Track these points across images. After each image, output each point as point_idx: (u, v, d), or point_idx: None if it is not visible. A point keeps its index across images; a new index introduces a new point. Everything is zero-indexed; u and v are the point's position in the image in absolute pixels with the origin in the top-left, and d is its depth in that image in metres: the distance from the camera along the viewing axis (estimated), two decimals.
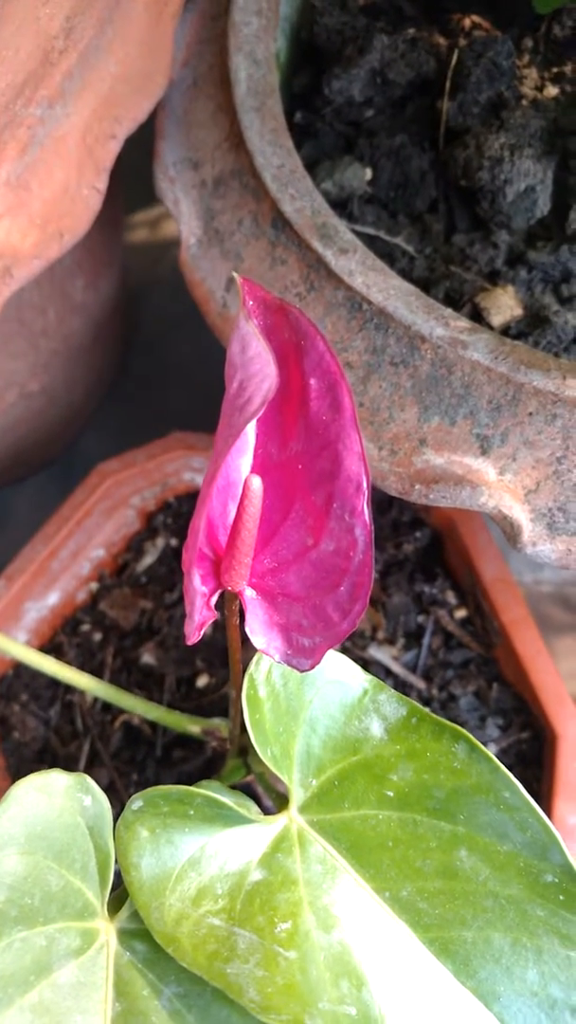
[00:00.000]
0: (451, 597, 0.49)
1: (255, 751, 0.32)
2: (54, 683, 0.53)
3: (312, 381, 0.25)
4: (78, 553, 0.54)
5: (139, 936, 0.27)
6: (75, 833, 0.26)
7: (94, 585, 0.55)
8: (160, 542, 0.55)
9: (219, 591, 0.26)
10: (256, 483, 0.24)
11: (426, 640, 0.48)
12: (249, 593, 0.26)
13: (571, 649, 0.77)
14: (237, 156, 0.41)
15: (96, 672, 0.52)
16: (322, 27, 0.48)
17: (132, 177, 0.57)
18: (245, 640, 0.29)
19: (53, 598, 0.54)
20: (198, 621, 0.25)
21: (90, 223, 0.42)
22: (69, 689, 0.53)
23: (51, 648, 0.54)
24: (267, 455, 0.26)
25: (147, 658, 0.51)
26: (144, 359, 0.81)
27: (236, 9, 0.42)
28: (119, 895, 0.27)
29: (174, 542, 0.55)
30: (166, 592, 0.53)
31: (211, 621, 0.26)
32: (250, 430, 0.26)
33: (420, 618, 0.49)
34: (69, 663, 0.53)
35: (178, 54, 0.45)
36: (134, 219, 0.88)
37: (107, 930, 0.26)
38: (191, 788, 0.26)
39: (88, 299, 0.62)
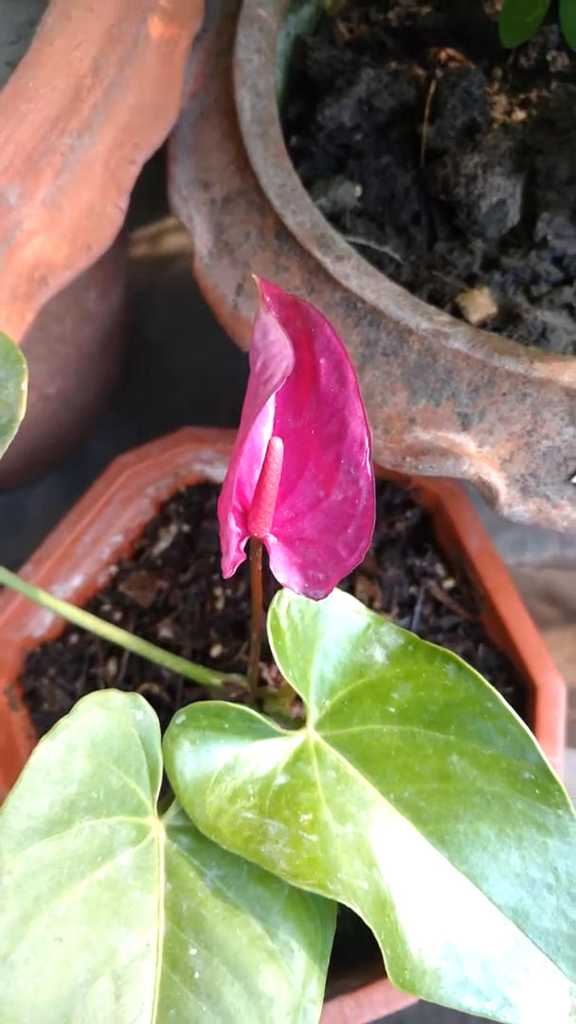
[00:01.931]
0: (440, 569, 0.54)
1: (271, 697, 0.37)
2: (78, 659, 0.58)
3: (322, 360, 0.30)
4: (99, 539, 0.59)
5: (184, 832, 0.31)
6: (130, 742, 0.31)
7: (113, 569, 0.60)
8: (173, 528, 0.60)
9: (247, 538, 0.31)
10: (278, 444, 0.29)
11: (418, 608, 0.53)
12: (272, 539, 0.31)
13: (557, 643, 0.82)
14: (243, 177, 0.46)
15: (118, 646, 0.57)
16: (314, 61, 0.54)
17: (132, 197, 0.63)
18: (265, 586, 0.34)
19: (77, 580, 0.59)
20: (232, 559, 0.30)
21: (113, 238, 0.47)
22: (92, 664, 0.57)
23: (76, 627, 0.59)
24: (285, 423, 0.31)
25: (165, 632, 0.56)
26: (148, 366, 0.86)
27: (239, 48, 0.48)
28: (166, 801, 0.32)
29: (186, 528, 0.60)
30: (180, 573, 0.58)
31: (237, 563, 0.31)
32: (271, 404, 0.31)
33: (412, 589, 0.54)
34: (92, 640, 0.58)
35: (187, 88, 0.51)
36: (136, 236, 0.93)
37: (157, 826, 0.31)
38: (226, 703, 0.31)
39: (99, 309, 0.67)
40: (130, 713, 0.31)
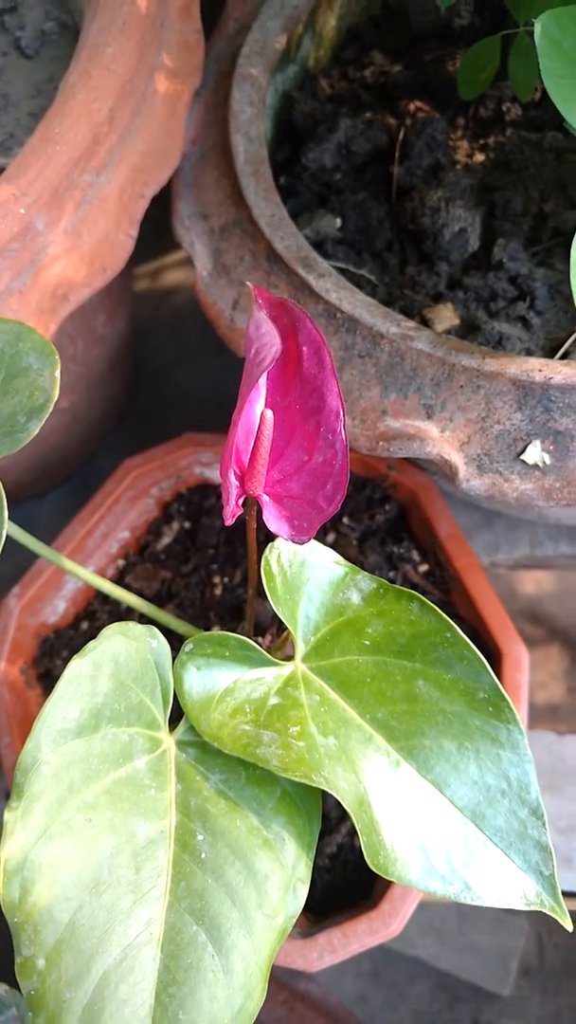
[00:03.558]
0: (415, 555, 0.60)
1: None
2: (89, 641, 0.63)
3: (304, 348, 0.36)
4: (108, 535, 0.65)
5: (191, 745, 0.37)
6: (146, 666, 0.37)
7: (121, 562, 0.66)
8: (175, 526, 0.66)
9: (243, 496, 0.37)
10: (269, 415, 0.36)
11: None
12: (265, 498, 0.37)
13: (542, 660, 0.87)
14: (238, 209, 0.54)
15: None
16: (299, 112, 0.61)
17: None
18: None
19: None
20: (231, 509, 0.36)
21: (125, 262, 0.54)
22: None
23: (86, 614, 0.65)
24: (275, 401, 0.37)
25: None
26: (149, 389, 0.93)
27: (234, 101, 0.56)
28: (176, 722, 0.38)
29: (187, 525, 0.66)
30: (182, 565, 0.64)
31: (236, 515, 0.37)
32: (262, 383, 0.37)
33: (391, 573, 0.60)
34: (100, 627, 0.64)
35: (188, 134, 0.58)
36: (137, 271, 1.01)
37: (168, 740, 0.37)
38: (227, 633, 0.37)
39: (107, 332, 0.74)
40: (147, 641, 0.37)
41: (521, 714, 0.52)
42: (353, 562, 0.61)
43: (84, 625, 0.64)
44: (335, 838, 0.55)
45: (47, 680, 0.62)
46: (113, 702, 0.35)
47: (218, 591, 0.62)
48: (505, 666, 0.54)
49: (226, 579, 0.62)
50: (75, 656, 0.35)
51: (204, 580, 0.63)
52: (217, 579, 0.63)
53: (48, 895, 0.31)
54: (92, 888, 0.32)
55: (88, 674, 0.35)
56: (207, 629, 0.62)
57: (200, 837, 0.34)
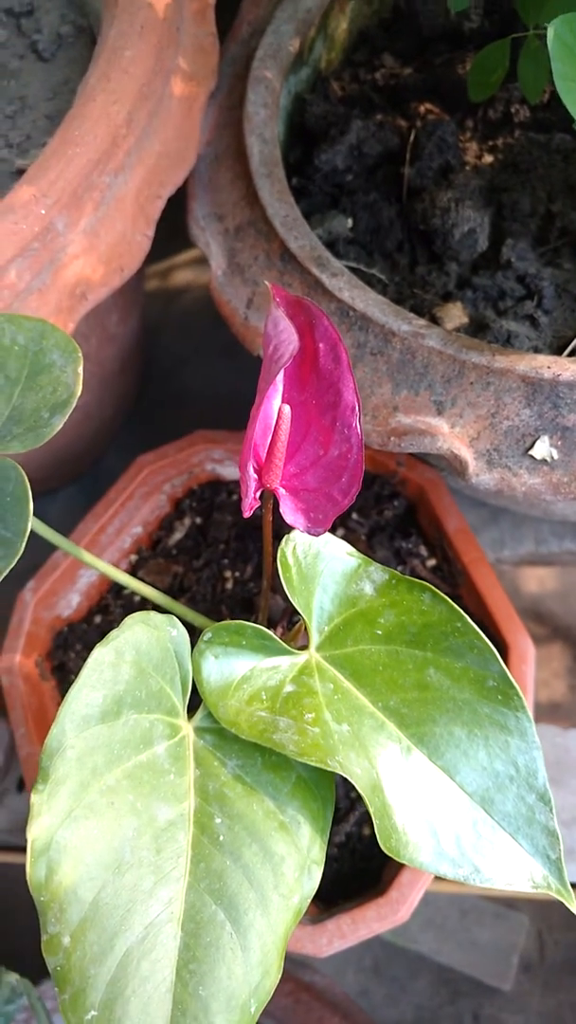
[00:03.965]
0: (423, 550, 0.61)
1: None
2: (102, 636, 0.64)
3: (321, 345, 0.38)
4: (121, 530, 0.66)
5: (209, 732, 0.38)
6: (166, 654, 0.38)
7: (134, 557, 0.67)
8: (187, 521, 0.67)
9: (260, 489, 0.38)
10: (286, 410, 0.37)
11: None
12: (281, 491, 0.38)
13: (544, 658, 0.88)
14: (252, 210, 0.55)
15: None
16: (311, 115, 0.62)
17: None
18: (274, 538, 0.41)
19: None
20: (249, 502, 0.37)
21: (141, 261, 0.55)
22: None
23: (99, 608, 0.66)
24: (292, 396, 0.38)
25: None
26: (159, 387, 0.94)
27: (249, 103, 0.57)
28: (194, 710, 0.39)
29: (199, 520, 0.67)
30: (194, 560, 0.65)
31: (254, 507, 0.38)
32: (280, 380, 0.38)
33: (400, 568, 0.61)
34: (113, 621, 0.65)
35: (203, 136, 0.59)
36: (148, 271, 1.02)
37: (187, 727, 0.38)
38: (245, 623, 0.38)
39: (119, 332, 0.75)
40: (167, 630, 0.38)
41: (528, 704, 0.53)
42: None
43: (97, 619, 0.65)
44: (344, 827, 0.56)
45: (61, 672, 0.63)
46: (134, 689, 0.36)
47: (229, 585, 0.63)
48: (511, 658, 0.55)
49: (237, 573, 0.63)
50: (98, 644, 0.36)
51: (216, 575, 0.64)
52: (228, 573, 0.64)
53: (73, 875, 0.33)
54: (115, 868, 0.33)
55: (111, 661, 0.36)
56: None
57: (218, 820, 0.36)
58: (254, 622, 0.58)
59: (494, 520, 0.79)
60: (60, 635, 0.64)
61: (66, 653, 0.64)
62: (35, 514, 0.35)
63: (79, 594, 0.65)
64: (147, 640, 0.37)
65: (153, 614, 0.38)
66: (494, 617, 0.56)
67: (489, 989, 0.75)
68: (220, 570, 0.64)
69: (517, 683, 0.54)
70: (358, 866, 0.56)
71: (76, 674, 0.64)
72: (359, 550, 0.62)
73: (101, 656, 0.36)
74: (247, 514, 0.37)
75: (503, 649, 0.55)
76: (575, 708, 0.85)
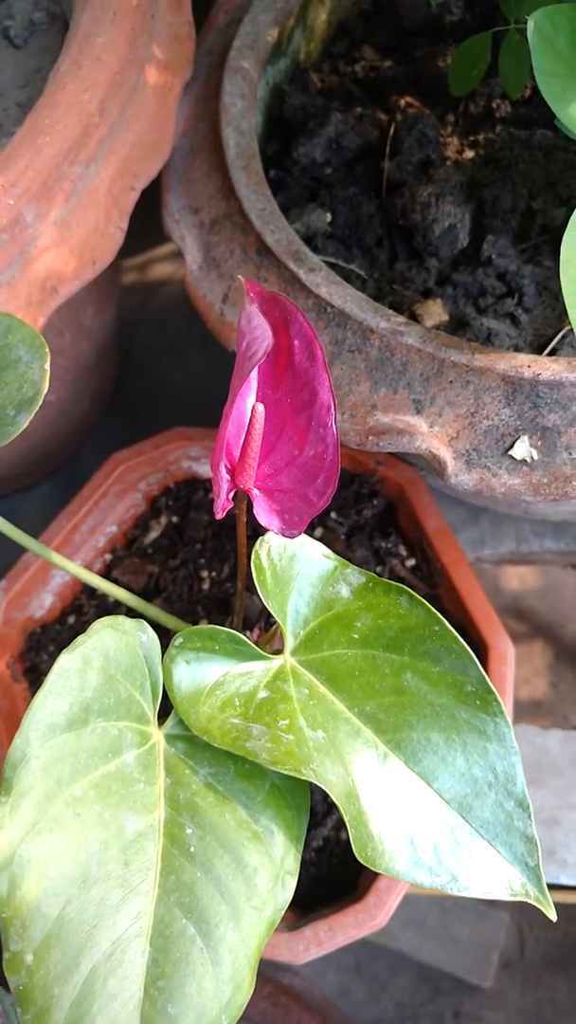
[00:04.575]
0: (402, 550, 0.60)
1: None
2: (75, 637, 0.63)
3: (296, 342, 0.36)
4: (95, 529, 0.65)
5: (180, 739, 0.37)
6: (136, 660, 0.36)
7: (108, 556, 0.65)
8: (163, 520, 0.66)
9: (233, 489, 0.37)
10: (260, 408, 0.36)
11: None
12: (255, 491, 0.37)
13: (525, 655, 0.88)
14: (228, 203, 0.54)
15: None
16: (290, 106, 0.61)
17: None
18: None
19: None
20: (222, 503, 0.36)
21: (114, 254, 0.54)
22: None
23: (73, 609, 0.64)
24: (266, 395, 0.37)
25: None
26: (136, 382, 0.93)
27: (225, 94, 0.55)
28: (165, 716, 0.38)
29: (175, 519, 0.66)
30: (169, 559, 0.64)
31: (227, 509, 0.37)
32: (254, 377, 0.37)
33: (379, 568, 0.60)
34: (87, 622, 0.64)
35: (179, 127, 0.58)
36: (125, 264, 1.00)
37: (157, 734, 0.37)
38: (217, 627, 0.37)
39: (95, 326, 0.73)
40: (136, 635, 0.37)
41: (507, 707, 0.53)
42: (340, 557, 0.61)
43: (71, 619, 0.64)
44: (321, 832, 0.55)
45: (34, 674, 0.62)
46: (102, 696, 0.35)
47: (206, 585, 0.62)
48: (491, 660, 0.54)
49: (214, 573, 0.62)
50: (64, 650, 0.35)
51: (192, 575, 0.63)
52: (205, 573, 0.62)
53: (37, 890, 0.31)
54: (81, 883, 0.32)
55: (77, 668, 0.35)
56: (195, 624, 0.62)
57: (189, 831, 0.35)
58: (230, 624, 0.57)
59: (474, 519, 0.78)
60: (33, 636, 0.63)
61: (39, 655, 0.62)
62: (7, 512, 0.34)
63: (52, 595, 0.64)
64: (116, 646, 0.36)
65: (122, 619, 0.36)
66: (473, 618, 0.56)
67: (469, 987, 0.75)
68: (196, 570, 0.63)
69: (496, 685, 0.54)
70: (335, 871, 0.55)
71: None
72: (337, 550, 0.61)
73: (67, 663, 0.35)
74: (219, 515, 0.36)
75: (483, 650, 0.55)
76: (556, 706, 0.85)
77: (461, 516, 0.78)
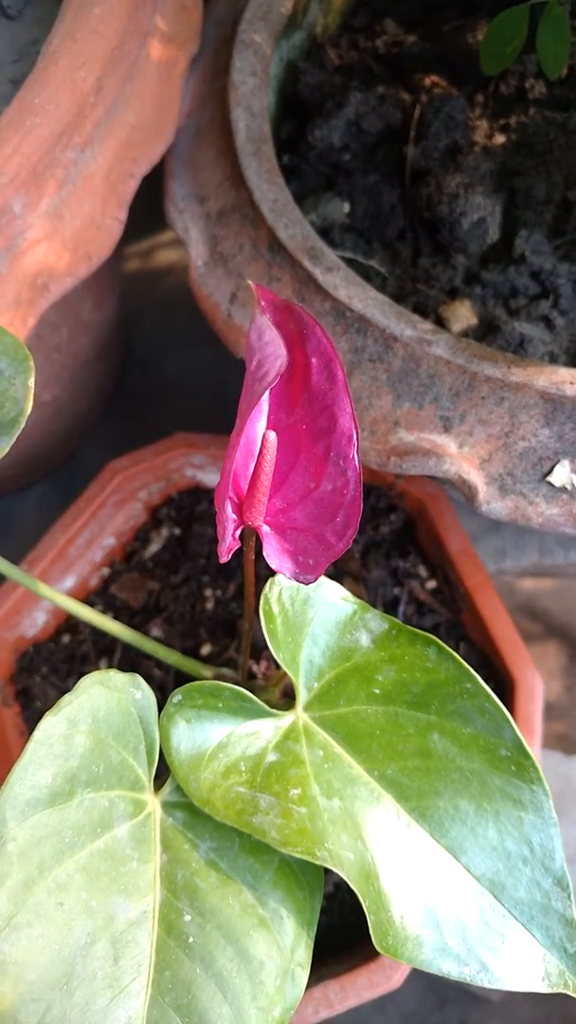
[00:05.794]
0: (422, 571, 0.56)
1: (260, 689, 0.38)
2: (70, 658, 0.59)
3: (313, 360, 0.32)
4: (92, 541, 0.60)
5: (178, 807, 0.33)
6: (129, 720, 0.32)
7: (105, 570, 0.61)
8: (164, 532, 0.62)
9: (241, 526, 0.33)
10: (272, 437, 0.31)
11: (401, 608, 0.55)
12: (265, 528, 0.33)
13: (538, 656, 0.84)
14: (238, 192, 0.49)
15: (110, 646, 0.58)
16: (305, 85, 0.56)
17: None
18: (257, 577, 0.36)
19: (69, 582, 0.60)
20: (227, 545, 0.31)
21: (112, 248, 0.49)
22: (84, 663, 0.59)
23: (68, 627, 0.60)
24: (278, 419, 0.33)
25: (155, 632, 0.58)
26: (138, 377, 0.88)
27: (235, 71, 0.50)
28: (162, 779, 0.34)
29: (177, 531, 0.62)
30: (171, 575, 0.60)
31: (232, 550, 0.33)
32: (265, 400, 0.33)
33: (396, 590, 0.56)
34: (83, 641, 0.60)
35: (184, 107, 0.53)
36: (128, 251, 0.95)
37: (153, 802, 0.33)
38: (220, 683, 0.33)
39: (94, 319, 0.69)
40: (129, 692, 0.32)
41: (534, 748, 0.48)
42: (355, 576, 0.57)
43: (65, 639, 0.60)
44: (332, 876, 0.51)
45: (25, 698, 0.58)
46: (91, 763, 0.31)
47: (209, 605, 0.58)
48: (518, 697, 0.50)
49: (218, 592, 0.58)
50: (48, 712, 0.31)
51: (195, 592, 0.58)
52: (209, 592, 0.58)
53: (12, 996, 0.27)
54: (63, 985, 0.28)
55: (63, 733, 0.30)
56: (197, 647, 0.58)
57: (187, 917, 0.30)
58: (236, 648, 0.53)
59: (495, 529, 0.74)
60: (25, 656, 0.59)
61: (31, 677, 0.58)
62: (4, 513, 0.29)
63: (45, 612, 0.59)
64: (106, 705, 0.32)
65: (113, 674, 0.32)
66: (499, 649, 0.51)
67: (477, 998, 0.72)
68: (200, 587, 0.59)
69: (524, 726, 0.50)
70: (348, 920, 0.51)
71: (41, 700, 0.59)
72: (352, 569, 0.57)
73: (51, 727, 0.30)
74: (224, 559, 0.31)
75: (509, 686, 0.50)
76: (570, 709, 0.82)
77: (482, 526, 0.73)
